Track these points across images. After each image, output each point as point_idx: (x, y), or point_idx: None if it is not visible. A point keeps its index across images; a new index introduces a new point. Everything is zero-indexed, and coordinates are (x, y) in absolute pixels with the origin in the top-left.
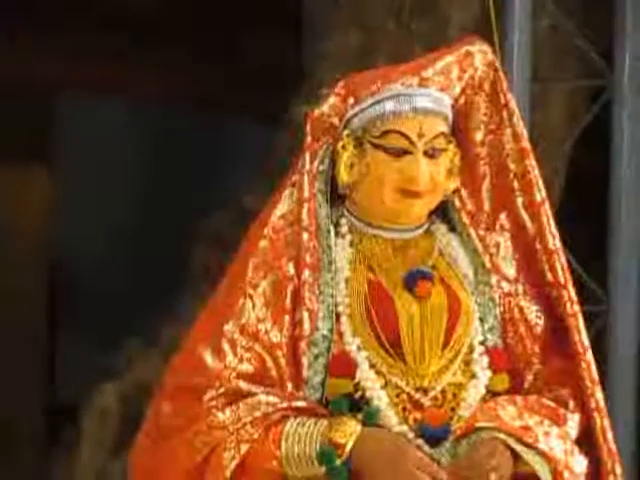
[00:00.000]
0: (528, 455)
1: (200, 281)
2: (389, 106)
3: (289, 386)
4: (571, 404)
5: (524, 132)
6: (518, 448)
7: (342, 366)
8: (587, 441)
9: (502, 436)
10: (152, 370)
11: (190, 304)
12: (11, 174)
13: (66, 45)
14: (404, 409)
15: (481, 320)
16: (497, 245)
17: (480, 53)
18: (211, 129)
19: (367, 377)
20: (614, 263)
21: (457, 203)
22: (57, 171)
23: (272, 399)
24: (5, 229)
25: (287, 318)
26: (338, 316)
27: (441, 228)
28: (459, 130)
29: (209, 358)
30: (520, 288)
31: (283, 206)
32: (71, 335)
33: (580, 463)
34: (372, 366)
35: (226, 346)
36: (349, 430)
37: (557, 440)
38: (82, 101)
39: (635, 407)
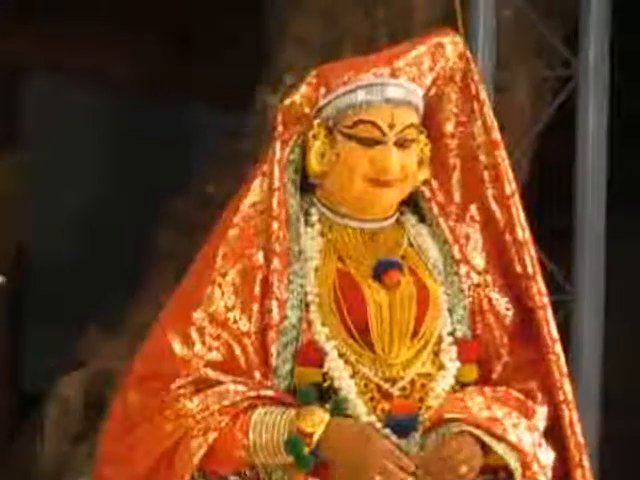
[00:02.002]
0: (498, 447)
1: (165, 267)
2: (361, 96)
3: (257, 375)
4: (539, 396)
5: (495, 124)
6: (487, 440)
7: (310, 355)
8: (555, 433)
9: (471, 429)
10: (116, 357)
11: (155, 290)
12: None
13: (34, 27)
14: (372, 399)
15: (450, 311)
16: (467, 236)
17: (451, 44)
18: (174, 114)
19: (335, 366)
20: (579, 252)
21: (427, 194)
22: (23, 157)
23: (240, 388)
24: None
25: (256, 307)
26: (307, 305)
27: (411, 219)
28: (430, 121)
29: (177, 346)
30: (489, 279)
31: (253, 195)
32: (34, 323)
33: (548, 455)
34: (341, 355)
35: (194, 334)
36: (317, 419)
37: (526, 432)
38: (49, 84)
39: (600, 397)
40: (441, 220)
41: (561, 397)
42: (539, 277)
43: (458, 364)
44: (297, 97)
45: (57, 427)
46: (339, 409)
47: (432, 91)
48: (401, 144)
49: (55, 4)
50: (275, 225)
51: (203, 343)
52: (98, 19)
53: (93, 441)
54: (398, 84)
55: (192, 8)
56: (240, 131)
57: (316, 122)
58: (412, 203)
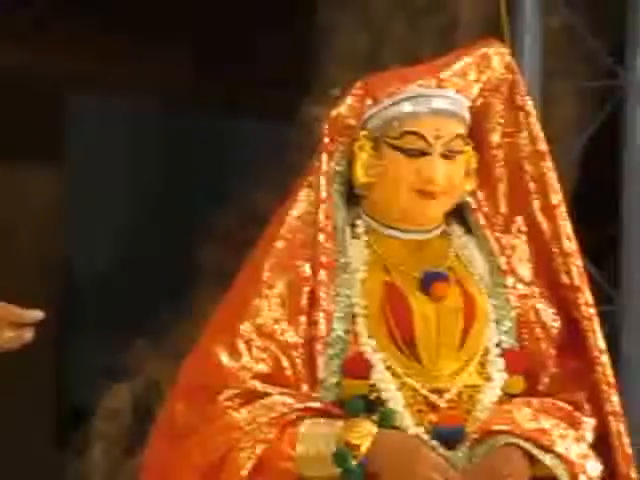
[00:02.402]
0: (545, 458)
1: (210, 280)
2: (407, 107)
3: (304, 387)
4: (587, 407)
5: (541, 134)
6: (535, 452)
7: (358, 367)
8: (602, 445)
9: (519, 441)
10: (163, 370)
11: (200, 304)
12: (23, 172)
13: (78, 43)
14: (419, 411)
15: (497, 322)
16: (513, 247)
17: (497, 55)
18: (221, 128)
19: (383, 378)
20: (626, 263)
21: (473, 205)
22: (69, 170)
23: (288, 400)
24: (15, 228)
25: (303, 319)
26: (354, 317)
27: (457, 230)
28: (476, 132)
29: (225, 358)
30: (536, 290)
31: (299, 207)
32: (82, 336)
33: (596, 467)
34: (388, 367)
35: (242, 346)
36: (364, 431)
37: (573, 443)
38: (94, 99)
39: None
40: (487, 231)
41: (609, 408)
42: (586, 288)
43: (505, 376)
44: (343, 108)
45: (106, 440)
46: (386, 421)
47: (478, 102)
48: (447, 155)
49: (103, 18)
50: (321, 237)
51: (250, 355)
52: (142, 32)
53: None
54: (444, 95)
55: (243, 23)
56: (286, 143)
57: (362, 133)
58: (458, 214)
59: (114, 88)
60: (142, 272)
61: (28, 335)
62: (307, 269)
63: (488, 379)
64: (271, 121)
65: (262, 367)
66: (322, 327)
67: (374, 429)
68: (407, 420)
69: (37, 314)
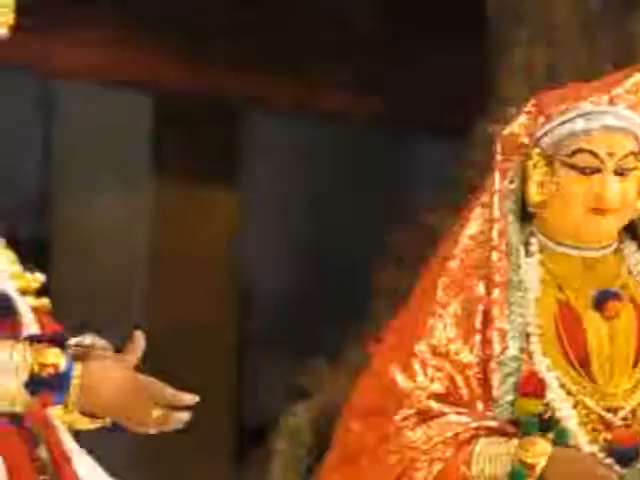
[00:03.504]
0: None
1: (385, 300)
2: (579, 124)
3: (479, 406)
4: None
5: None
6: None
7: (532, 386)
8: None
9: None
10: (340, 390)
11: (376, 323)
12: (198, 195)
13: (253, 62)
14: (594, 429)
15: None
16: None
17: None
18: (392, 145)
19: (557, 397)
20: None
21: None
22: (243, 192)
23: (463, 419)
24: (194, 251)
25: (478, 338)
26: (528, 336)
27: (630, 246)
28: None
29: (400, 378)
30: None
31: (473, 226)
32: (260, 356)
33: None
34: (562, 386)
35: (417, 366)
36: (540, 450)
37: None
38: (267, 119)
39: None
40: None
41: None
42: None
43: None
44: (516, 126)
45: (285, 459)
46: (561, 439)
47: None
48: (620, 172)
49: (278, 45)
50: (495, 256)
51: (425, 375)
52: (314, 53)
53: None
54: (616, 112)
55: (414, 39)
56: (461, 161)
57: (535, 151)
58: (631, 231)
59: (287, 107)
60: (320, 292)
61: (183, 417)
62: (481, 288)
63: None
64: (446, 139)
65: (437, 386)
66: (496, 346)
67: (549, 448)
68: (582, 438)
69: (191, 398)
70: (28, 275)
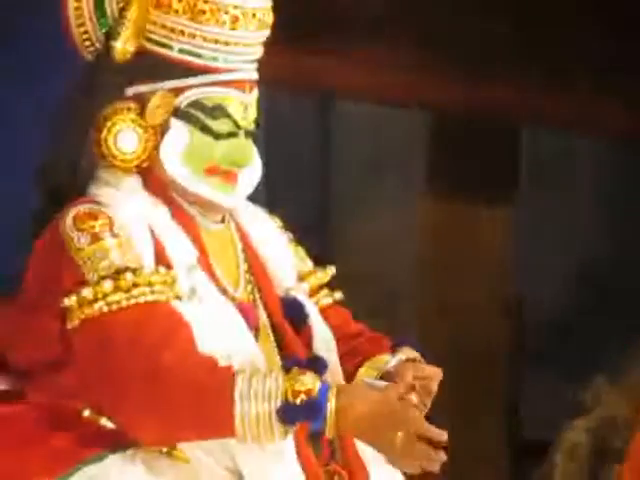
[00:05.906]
0: None
1: None
2: None
3: None
4: None
5: None
6: None
7: None
8: None
9: None
10: (619, 405)
11: None
12: (475, 207)
13: (533, 79)
14: None
15: None
16: None
17: None
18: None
19: None
20: None
21: None
22: (521, 204)
23: None
24: (466, 264)
25: None
26: None
27: None
28: None
29: None
30: None
31: None
32: (537, 369)
33: None
34: None
35: None
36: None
37: None
38: (546, 133)
39: None
40: None
41: None
42: None
43: None
44: None
45: (564, 476)
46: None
47: None
48: None
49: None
50: None
51: None
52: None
53: None
54: None
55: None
56: None
57: None
58: None
59: (568, 122)
60: (599, 305)
61: (442, 457)
62: None
63: None
64: None
65: None
66: None
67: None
68: None
69: (439, 434)
70: (319, 272)
